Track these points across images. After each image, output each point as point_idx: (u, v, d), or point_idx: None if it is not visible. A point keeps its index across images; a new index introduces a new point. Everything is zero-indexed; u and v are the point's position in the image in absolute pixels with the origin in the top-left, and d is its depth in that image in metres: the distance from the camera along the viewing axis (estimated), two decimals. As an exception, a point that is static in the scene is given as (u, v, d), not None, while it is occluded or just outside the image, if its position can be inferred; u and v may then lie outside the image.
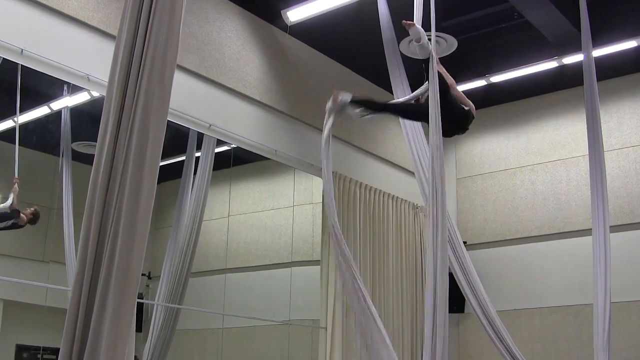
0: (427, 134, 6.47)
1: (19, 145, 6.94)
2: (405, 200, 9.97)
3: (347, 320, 8.60)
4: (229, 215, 9.88)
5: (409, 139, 6.74)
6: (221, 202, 9.82)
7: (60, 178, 7.43)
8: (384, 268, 9.42)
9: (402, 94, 6.79)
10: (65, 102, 7.38)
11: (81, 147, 7.77)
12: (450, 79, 6.06)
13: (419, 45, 5.39)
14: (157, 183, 3.70)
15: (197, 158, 8.53)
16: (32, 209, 6.93)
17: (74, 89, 6.81)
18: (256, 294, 9.85)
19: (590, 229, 6.45)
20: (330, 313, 8.46)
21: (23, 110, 7.17)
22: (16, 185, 6.79)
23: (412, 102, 6.17)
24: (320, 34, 8.85)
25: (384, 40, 6.94)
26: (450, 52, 8.57)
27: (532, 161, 10.47)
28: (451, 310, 10.10)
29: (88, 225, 3.62)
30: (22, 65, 6.12)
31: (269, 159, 8.60)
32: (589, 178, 6.61)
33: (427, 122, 5.66)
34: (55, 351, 3.93)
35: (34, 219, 6.95)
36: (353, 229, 9.03)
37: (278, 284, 9.76)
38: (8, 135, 6.91)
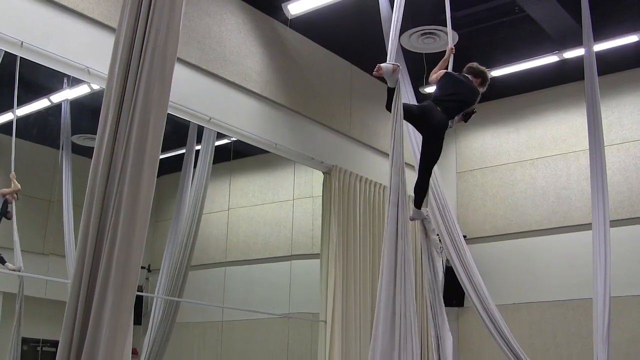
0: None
1: (19, 138, 6.95)
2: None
3: (346, 314, 8.61)
4: (229, 209, 9.89)
5: (410, 132, 6.72)
6: (221, 195, 9.82)
7: (60, 171, 7.43)
8: (383, 262, 9.41)
9: (402, 88, 6.76)
10: (65, 95, 7.38)
11: (81, 139, 7.77)
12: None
13: (390, 80, 5.36)
14: (157, 176, 3.69)
15: (197, 151, 8.53)
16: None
17: (74, 81, 6.81)
18: (256, 287, 9.87)
19: (590, 223, 6.46)
20: (329, 306, 8.47)
21: (23, 103, 7.17)
22: (15, 182, 6.77)
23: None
24: (320, 27, 8.83)
25: (384, 33, 6.91)
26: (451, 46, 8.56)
27: (532, 155, 10.47)
28: (451, 304, 10.27)
29: (88, 218, 3.62)
30: (22, 58, 6.11)
31: (269, 152, 8.60)
32: (589, 173, 6.61)
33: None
34: (55, 343, 3.93)
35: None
36: (353, 223, 9.03)
37: (278, 277, 9.77)
38: (8, 127, 6.91)
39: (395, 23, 5.47)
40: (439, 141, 5.92)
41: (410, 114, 5.65)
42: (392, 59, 5.32)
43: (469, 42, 8.95)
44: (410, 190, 5.83)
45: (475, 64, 6.39)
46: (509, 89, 10.30)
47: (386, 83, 5.33)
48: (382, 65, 5.24)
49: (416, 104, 6.09)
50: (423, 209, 6.23)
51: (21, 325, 6.74)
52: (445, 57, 6.57)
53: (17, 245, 6.77)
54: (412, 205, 6.24)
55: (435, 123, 5.82)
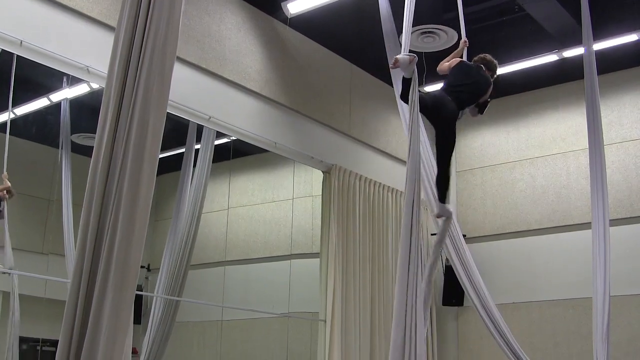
0: (427, 127, 6.48)
1: (19, 137, 6.93)
2: (402, 192, 9.94)
3: (346, 313, 8.61)
4: (228, 208, 9.88)
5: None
6: (221, 195, 9.82)
7: (60, 170, 7.42)
8: (383, 260, 9.42)
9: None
10: (64, 94, 7.37)
11: (80, 139, 7.77)
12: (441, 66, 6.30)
13: (406, 71, 5.33)
14: (157, 175, 3.69)
15: (197, 150, 8.52)
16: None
17: (74, 80, 6.80)
18: (255, 287, 9.86)
19: (590, 222, 6.46)
20: (329, 306, 8.47)
21: (22, 102, 7.16)
22: (6, 181, 6.70)
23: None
24: (320, 26, 8.83)
25: (384, 32, 6.92)
26: (450, 45, 8.56)
27: (532, 154, 10.46)
28: (450, 303, 10.27)
29: (87, 217, 3.62)
30: (22, 57, 6.09)
31: (268, 151, 8.59)
32: (588, 172, 6.60)
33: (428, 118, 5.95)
34: (55, 343, 3.92)
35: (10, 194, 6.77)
36: (352, 222, 9.03)
37: (277, 276, 9.77)
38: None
39: (407, 15, 5.45)
40: (451, 130, 5.91)
41: (423, 104, 5.63)
42: (406, 51, 5.30)
43: (468, 41, 8.96)
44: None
45: (488, 56, 6.39)
46: (508, 87, 10.29)
47: (389, 84, 5.31)
48: (398, 57, 5.21)
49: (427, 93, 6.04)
50: (449, 205, 6.16)
51: (14, 323, 6.68)
52: (458, 49, 6.55)
53: (8, 244, 6.69)
54: (435, 202, 6.19)
55: (447, 114, 5.83)
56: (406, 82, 5.30)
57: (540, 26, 8.71)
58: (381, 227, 9.51)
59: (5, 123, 6.74)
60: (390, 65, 5.29)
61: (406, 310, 4.78)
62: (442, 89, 6.01)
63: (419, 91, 5.40)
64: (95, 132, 3.78)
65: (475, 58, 6.41)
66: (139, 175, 3.57)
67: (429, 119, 6.07)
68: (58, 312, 3.78)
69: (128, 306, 3.47)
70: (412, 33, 8.58)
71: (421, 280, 4.96)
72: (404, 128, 7.02)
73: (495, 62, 6.40)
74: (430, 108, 5.76)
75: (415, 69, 5.25)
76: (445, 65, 6.33)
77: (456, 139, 6.02)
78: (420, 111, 5.42)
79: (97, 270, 3.51)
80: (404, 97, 5.34)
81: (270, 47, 8.51)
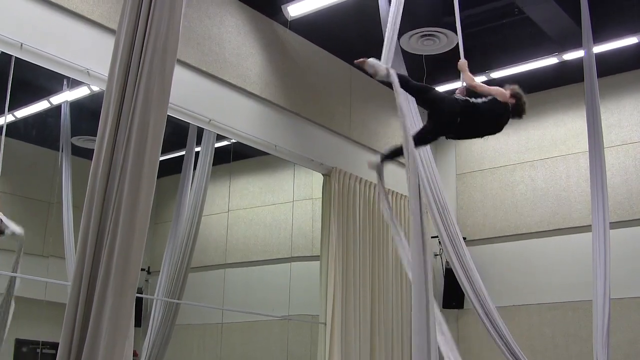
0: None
1: (19, 140, 6.93)
2: (405, 196, 9.96)
3: (346, 316, 8.60)
4: (228, 210, 9.88)
5: (409, 134, 6.70)
6: (221, 197, 9.82)
7: (60, 172, 7.43)
8: (383, 263, 9.42)
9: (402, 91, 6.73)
10: (65, 97, 7.38)
11: (81, 141, 7.77)
12: (471, 81, 6.04)
13: (378, 78, 5.30)
14: (157, 178, 3.69)
15: (197, 153, 8.52)
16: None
17: (74, 83, 6.81)
18: (255, 289, 9.86)
19: (590, 225, 6.47)
20: (329, 308, 8.46)
21: (23, 104, 7.16)
22: None
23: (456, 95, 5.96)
24: (320, 29, 8.83)
25: (384, 34, 6.91)
26: (450, 48, 8.57)
27: (532, 157, 10.46)
28: (450, 306, 10.27)
29: (87, 219, 3.62)
30: (22, 59, 6.09)
31: (268, 154, 8.59)
32: (589, 174, 6.61)
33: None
34: (55, 345, 3.93)
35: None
36: (353, 225, 9.03)
37: (277, 279, 9.76)
38: (8, 129, 6.89)
39: (392, 24, 5.43)
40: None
41: (425, 97, 5.59)
42: (388, 60, 5.27)
43: (468, 44, 8.93)
44: None
45: (523, 97, 6.23)
46: (508, 90, 10.29)
47: (389, 86, 5.30)
48: (369, 60, 5.18)
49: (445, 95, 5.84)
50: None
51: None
52: (461, 68, 6.36)
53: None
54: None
55: (446, 108, 5.67)
56: (401, 76, 5.29)
57: (540, 29, 8.72)
58: (381, 230, 9.50)
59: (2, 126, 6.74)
60: (354, 61, 5.24)
61: (427, 310, 4.78)
62: (462, 98, 5.81)
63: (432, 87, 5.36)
64: (95, 135, 3.78)
65: (515, 90, 6.18)
66: (140, 178, 3.57)
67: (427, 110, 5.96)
68: (58, 314, 3.78)
69: (128, 309, 3.47)
70: (412, 36, 8.68)
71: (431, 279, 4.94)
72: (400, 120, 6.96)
73: (525, 108, 6.22)
74: (429, 102, 5.70)
75: (388, 72, 5.17)
76: (474, 83, 6.07)
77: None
78: (420, 104, 5.39)
79: (98, 273, 3.51)
80: (404, 86, 5.32)
81: (271, 50, 8.52)
